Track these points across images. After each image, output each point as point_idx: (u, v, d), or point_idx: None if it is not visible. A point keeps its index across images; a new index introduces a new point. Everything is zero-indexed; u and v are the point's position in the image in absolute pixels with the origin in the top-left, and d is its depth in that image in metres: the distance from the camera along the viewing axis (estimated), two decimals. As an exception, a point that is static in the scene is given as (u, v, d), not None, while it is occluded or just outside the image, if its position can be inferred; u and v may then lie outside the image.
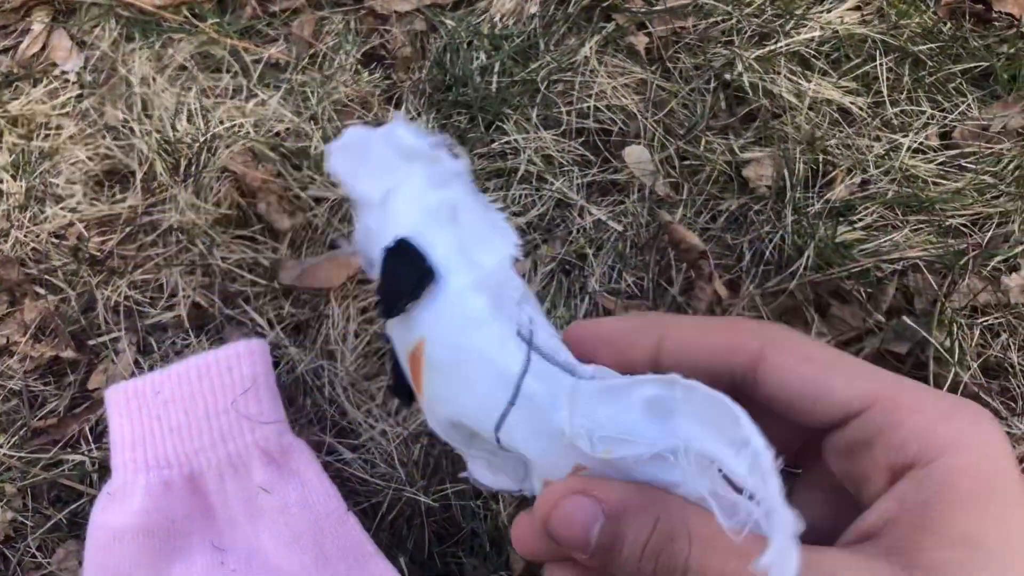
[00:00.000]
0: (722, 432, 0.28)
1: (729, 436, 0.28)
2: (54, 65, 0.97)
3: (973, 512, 0.28)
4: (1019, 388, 0.78)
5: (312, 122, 0.91)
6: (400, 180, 0.36)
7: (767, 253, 0.82)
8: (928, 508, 0.28)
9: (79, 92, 0.95)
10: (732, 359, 0.33)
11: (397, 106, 0.94)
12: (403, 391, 0.37)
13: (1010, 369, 0.79)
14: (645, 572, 0.30)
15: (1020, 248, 0.82)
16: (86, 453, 0.77)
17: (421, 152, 0.36)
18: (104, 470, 0.76)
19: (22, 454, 0.78)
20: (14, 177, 0.89)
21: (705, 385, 0.29)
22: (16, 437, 0.79)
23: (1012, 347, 0.80)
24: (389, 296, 0.34)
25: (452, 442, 0.37)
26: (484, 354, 0.33)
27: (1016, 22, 0.94)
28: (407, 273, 0.34)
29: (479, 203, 0.36)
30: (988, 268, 0.81)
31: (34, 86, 0.95)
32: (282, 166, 0.88)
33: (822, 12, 0.96)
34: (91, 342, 0.82)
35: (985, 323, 0.80)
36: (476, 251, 0.34)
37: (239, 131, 0.90)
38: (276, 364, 0.79)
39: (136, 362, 0.81)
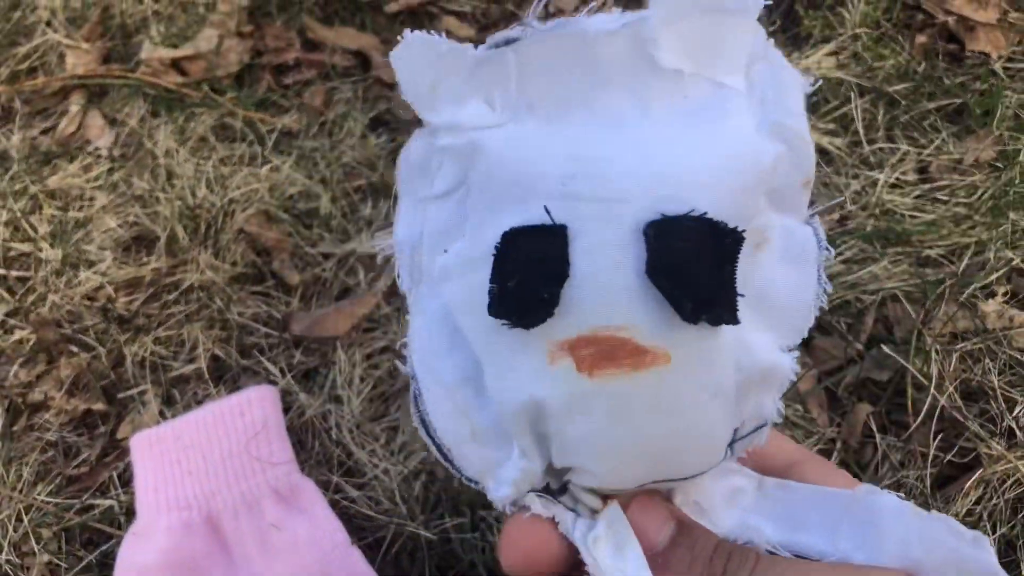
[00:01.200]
0: None
1: None
2: (88, 142, 1.06)
3: None
4: (998, 410, 0.80)
5: (322, 184, 0.98)
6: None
7: (749, 289, 0.86)
8: None
9: (110, 166, 1.03)
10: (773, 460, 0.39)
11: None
12: (519, 309, 0.30)
13: (990, 392, 0.81)
14: (716, 568, 0.33)
15: (995, 275, 0.85)
16: (115, 497, 0.83)
17: None
18: (131, 513, 0.82)
19: (57, 500, 0.84)
20: (51, 245, 0.97)
21: None
22: (52, 485, 0.85)
23: (992, 371, 0.82)
24: (688, 273, 0.29)
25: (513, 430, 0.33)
26: (708, 433, 0.32)
27: (988, 60, 0.98)
28: (716, 275, 0.29)
29: (800, 262, 0.35)
30: (965, 296, 0.84)
31: (70, 162, 1.04)
32: (293, 226, 0.95)
33: (800, 58, 1.01)
34: (120, 395, 0.89)
35: (964, 349, 0.83)
36: (762, 316, 0.33)
37: (254, 195, 0.97)
38: (287, 409, 0.84)
39: (161, 412, 0.87)
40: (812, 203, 0.33)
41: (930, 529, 0.32)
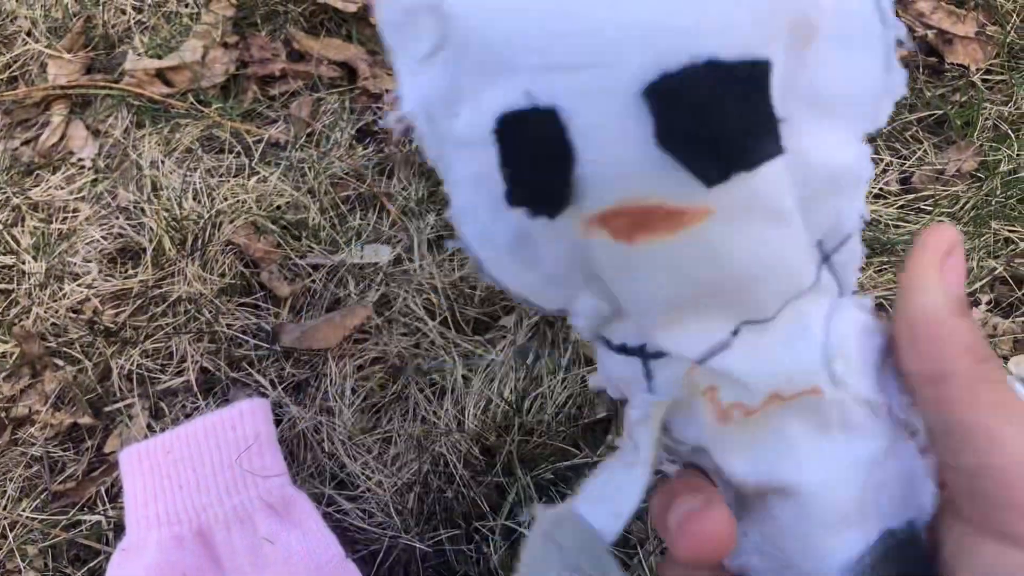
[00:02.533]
0: None
1: None
2: (71, 153, 1.05)
3: None
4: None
5: (310, 195, 0.98)
6: None
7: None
8: None
9: (94, 177, 1.02)
10: None
11: (389, 177, 1.01)
12: (531, 195, 0.27)
13: (975, 399, 0.82)
14: (985, 348, 0.29)
15: (979, 284, 0.86)
16: (103, 513, 0.82)
17: None
18: (119, 529, 0.81)
19: (43, 516, 0.83)
20: (35, 258, 0.95)
21: None
22: (38, 500, 0.84)
23: (977, 378, 0.83)
24: (708, 131, 0.25)
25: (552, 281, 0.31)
26: (778, 258, 0.28)
27: (967, 72, 1.00)
28: (742, 118, 0.24)
29: (861, 40, 0.28)
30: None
31: (53, 173, 1.03)
32: (282, 237, 0.94)
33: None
34: (107, 408, 0.88)
35: (950, 356, 0.84)
36: (819, 117, 0.27)
37: (242, 206, 0.96)
38: (278, 421, 0.84)
39: (149, 426, 0.86)
40: None
41: None
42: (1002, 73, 1.01)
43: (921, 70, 1.02)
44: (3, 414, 0.88)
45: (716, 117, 0.23)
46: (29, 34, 1.14)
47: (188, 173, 1.00)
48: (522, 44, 0.25)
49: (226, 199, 0.97)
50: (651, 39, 0.24)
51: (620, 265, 0.27)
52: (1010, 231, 0.88)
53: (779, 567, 0.32)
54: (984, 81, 1.00)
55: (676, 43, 0.24)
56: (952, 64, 1.01)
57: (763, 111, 0.24)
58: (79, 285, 0.93)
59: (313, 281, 0.92)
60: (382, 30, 0.29)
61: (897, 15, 0.28)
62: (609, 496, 0.32)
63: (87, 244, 0.97)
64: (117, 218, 0.98)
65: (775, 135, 0.24)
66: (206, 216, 0.95)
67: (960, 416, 0.28)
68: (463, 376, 0.86)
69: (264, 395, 0.85)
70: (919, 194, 0.93)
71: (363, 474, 0.82)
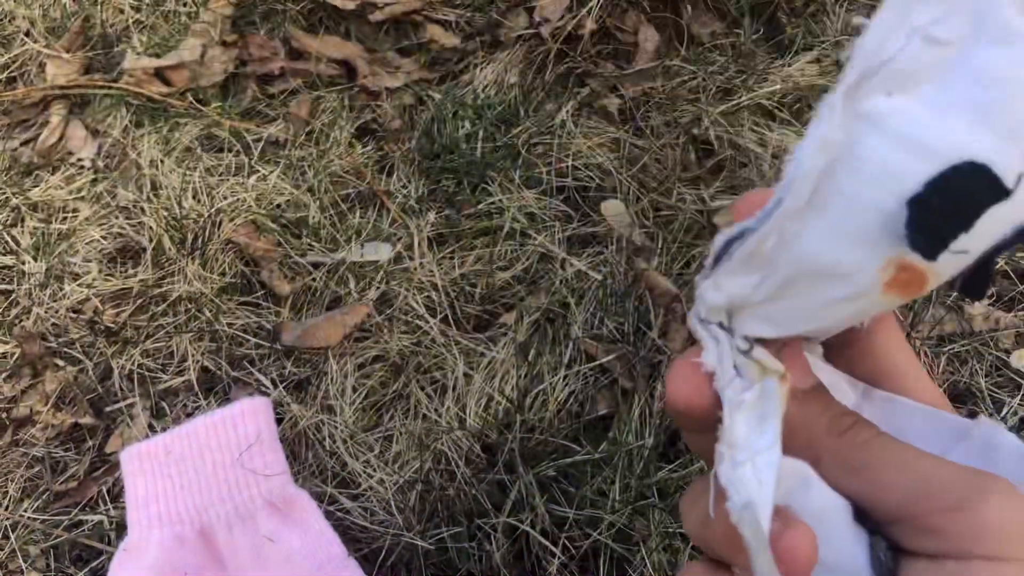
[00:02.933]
0: None
1: None
2: (70, 153, 1.05)
3: None
4: (986, 412, 0.81)
5: (310, 193, 0.98)
6: None
7: (739, 294, 0.87)
8: None
9: (94, 177, 1.02)
10: None
11: (389, 175, 1.01)
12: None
13: (978, 394, 0.82)
14: (846, 421, 0.31)
15: (981, 278, 0.86)
16: (104, 513, 0.82)
17: None
18: (121, 528, 0.80)
19: (45, 517, 0.83)
20: (35, 258, 0.95)
21: None
22: (40, 501, 0.84)
23: (979, 373, 0.83)
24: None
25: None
26: None
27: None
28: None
29: None
30: (951, 299, 0.85)
31: (52, 173, 1.03)
32: (282, 236, 0.94)
33: (783, 66, 1.02)
34: (108, 409, 0.87)
35: (951, 351, 0.84)
36: None
37: (242, 205, 0.96)
38: (279, 420, 0.84)
39: (150, 426, 0.86)
40: None
41: None
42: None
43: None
44: (4, 415, 0.87)
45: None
46: (28, 34, 1.14)
47: (187, 172, 0.99)
48: None
49: (226, 198, 0.97)
50: None
51: None
52: (1011, 225, 0.88)
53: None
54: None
55: None
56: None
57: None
58: (79, 285, 0.93)
59: (313, 279, 0.92)
60: None
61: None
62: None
63: (87, 244, 0.96)
64: (117, 218, 0.98)
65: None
66: (206, 215, 0.95)
67: (845, 483, 0.31)
68: (464, 373, 0.86)
69: (265, 394, 0.85)
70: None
71: (365, 472, 0.81)
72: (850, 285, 0.29)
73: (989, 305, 0.86)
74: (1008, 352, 0.84)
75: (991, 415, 0.80)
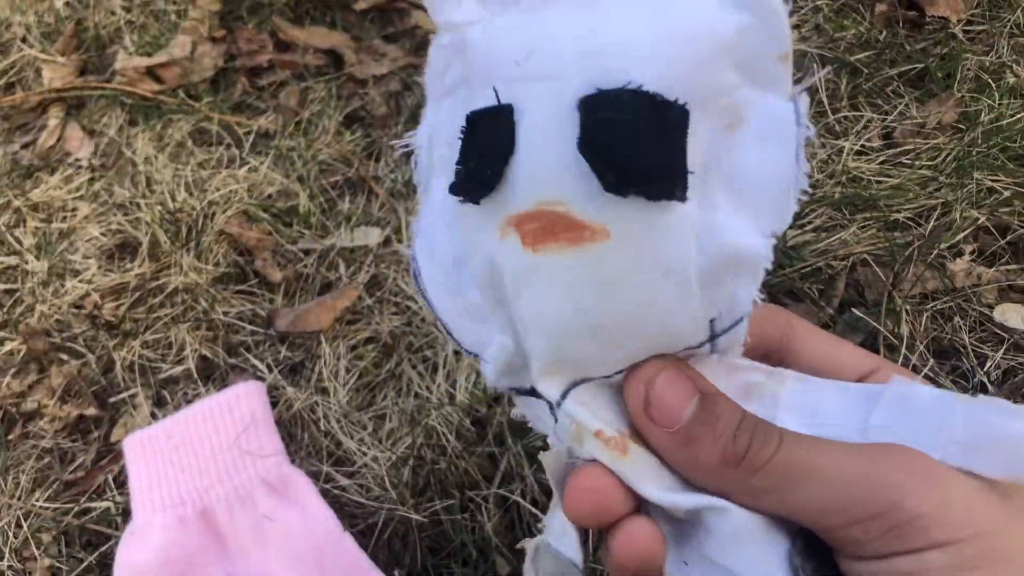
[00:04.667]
0: None
1: None
2: (68, 154, 1.07)
3: None
4: (970, 366, 0.82)
5: (299, 182, 1.00)
6: None
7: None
8: None
9: (91, 176, 1.04)
10: (769, 329, 0.38)
11: (377, 160, 1.03)
12: (476, 186, 0.31)
13: (961, 349, 0.83)
14: (740, 445, 0.31)
15: (962, 235, 0.87)
16: (111, 499, 0.85)
17: None
18: (127, 514, 0.83)
19: (56, 505, 0.86)
20: (37, 257, 0.98)
21: None
22: (50, 490, 0.87)
23: (962, 328, 0.84)
24: (622, 146, 0.27)
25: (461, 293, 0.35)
26: (669, 314, 0.30)
27: (947, 24, 1.00)
28: (654, 148, 0.28)
29: (779, 144, 0.31)
30: (933, 256, 0.86)
31: (52, 174, 1.06)
32: (273, 224, 0.96)
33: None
34: (111, 399, 0.90)
35: (934, 308, 0.84)
36: (735, 201, 0.30)
37: (234, 197, 0.98)
38: (275, 403, 0.86)
39: (152, 414, 0.89)
40: (798, 81, 0.31)
41: (976, 412, 0.31)
42: (982, 23, 1.00)
43: (901, 25, 1.02)
44: (14, 409, 0.91)
45: (631, 137, 0.27)
46: (24, 40, 1.17)
47: (180, 167, 1.02)
48: (504, 59, 0.30)
49: (218, 190, 0.99)
50: (594, 60, 0.28)
51: (523, 274, 0.30)
52: (993, 180, 0.88)
53: None
54: (965, 32, 1.00)
55: (614, 67, 0.28)
56: (933, 17, 1.01)
57: (674, 150, 0.28)
58: (80, 281, 0.96)
59: (305, 266, 0.94)
60: (426, 73, 0.35)
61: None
62: (570, 530, 0.35)
63: (86, 241, 0.99)
64: (115, 215, 1.01)
65: (681, 182, 0.28)
66: (199, 208, 0.97)
67: (759, 505, 0.32)
68: (454, 351, 0.88)
69: (261, 379, 0.88)
70: (901, 148, 0.93)
71: (359, 450, 0.84)
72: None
73: (971, 261, 0.86)
74: (991, 307, 0.84)
75: (973, 371, 0.81)
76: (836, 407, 0.34)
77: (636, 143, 0.27)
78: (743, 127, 0.30)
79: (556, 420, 0.34)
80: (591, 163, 0.27)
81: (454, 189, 0.31)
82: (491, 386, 0.35)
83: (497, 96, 0.29)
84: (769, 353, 0.37)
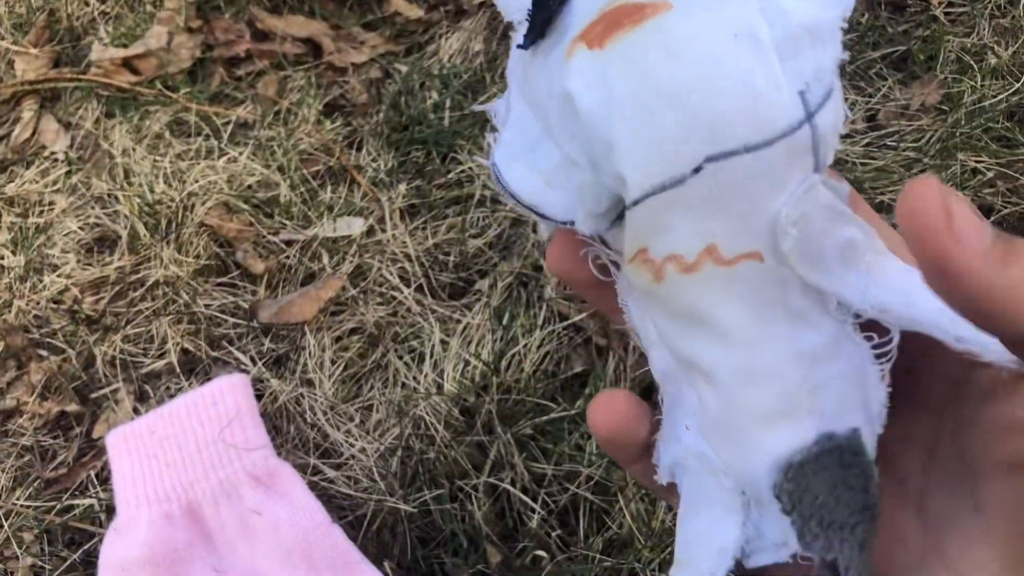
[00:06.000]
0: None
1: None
2: (44, 147, 1.05)
3: None
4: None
5: (280, 172, 0.98)
6: None
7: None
8: None
9: (68, 169, 1.03)
10: None
11: (359, 149, 1.01)
12: (542, 21, 0.31)
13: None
14: None
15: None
16: (94, 496, 0.83)
17: None
18: (111, 511, 0.82)
19: (37, 503, 0.84)
20: (13, 252, 0.96)
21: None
22: (31, 488, 0.85)
23: (948, 309, 0.84)
24: None
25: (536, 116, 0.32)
26: (750, 80, 0.27)
27: (929, 6, 1.00)
28: None
29: None
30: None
31: (27, 168, 1.04)
32: (254, 215, 0.95)
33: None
34: (93, 395, 0.89)
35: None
36: None
37: (213, 188, 0.97)
38: (260, 396, 0.85)
39: (135, 409, 0.88)
40: None
41: None
42: (963, 5, 1.00)
43: (884, 7, 1.02)
44: (-8, 407, 0.89)
45: None
46: (-5, 32, 1.15)
47: (158, 159, 1.00)
48: None
49: (197, 181, 0.97)
50: None
51: (593, 79, 0.29)
52: (976, 161, 0.88)
53: (712, 470, 0.31)
54: (946, 14, 1.00)
55: None
56: (914, -1, 1.01)
57: None
58: (58, 276, 0.94)
59: (287, 257, 0.93)
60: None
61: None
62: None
63: (64, 235, 0.98)
64: (93, 208, 0.99)
65: None
66: (178, 199, 0.96)
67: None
68: (441, 340, 0.87)
69: (245, 371, 0.86)
70: (885, 130, 0.93)
71: (346, 442, 0.83)
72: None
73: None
74: (977, 287, 0.85)
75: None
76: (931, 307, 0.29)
77: None
78: None
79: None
80: None
81: (528, 40, 0.30)
82: (589, 232, 0.32)
83: None
84: None
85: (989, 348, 0.27)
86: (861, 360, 0.30)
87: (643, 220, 0.29)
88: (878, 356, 0.30)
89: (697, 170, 0.28)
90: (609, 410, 0.33)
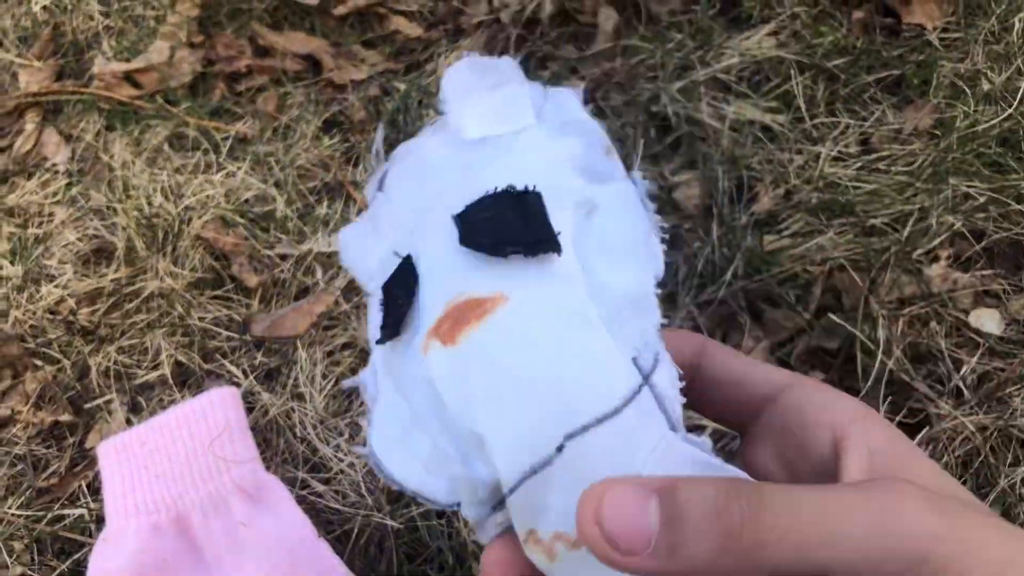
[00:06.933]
0: None
1: None
2: (45, 159, 1.07)
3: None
4: (946, 371, 0.82)
5: (276, 187, 0.99)
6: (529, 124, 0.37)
7: (699, 266, 0.88)
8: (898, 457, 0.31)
9: (68, 181, 1.04)
10: (684, 349, 0.38)
11: (355, 165, 1.02)
12: (394, 322, 0.33)
13: (937, 354, 0.83)
14: (732, 522, 0.26)
15: (938, 240, 0.87)
16: (85, 506, 0.84)
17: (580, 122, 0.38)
18: (101, 521, 0.82)
19: (28, 513, 0.85)
20: (12, 262, 0.97)
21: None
22: (23, 498, 0.86)
23: (938, 333, 0.84)
24: (495, 228, 0.32)
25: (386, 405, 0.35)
26: (588, 357, 0.30)
27: (924, 31, 1.00)
28: (521, 222, 0.32)
29: (631, 213, 0.36)
30: (910, 261, 0.86)
31: (28, 179, 1.05)
32: (250, 230, 0.96)
33: (742, 39, 1.02)
34: (87, 405, 0.89)
35: (911, 313, 0.85)
36: (611, 261, 0.34)
37: (210, 202, 0.98)
38: (250, 409, 0.85)
39: (128, 420, 0.88)
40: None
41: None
42: (958, 30, 1.01)
43: (878, 31, 1.02)
44: (-14, 416, 0.90)
45: (498, 218, 0.32)
46: (0, 44, 1.16)
47: (157, 172, 1.01)
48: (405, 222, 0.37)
49: (194, 195, 0.98)
50: (467, 196, 0.35)
51: (452, 373, 0.31)
52: (968, 186, 0.89)
53: None
54: (941, 40, 1.00)
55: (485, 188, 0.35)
56: (909, 24, 1.01)
57: (538, 217, 0.32)
58: (55, 286, 0.95)
59: (282, 271, 0.94)
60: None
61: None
62: None
63: (63, 247, 0.98)
64: (91, 220, 1.00)
65: (552, 238, 0.32)
66: (175, 213, 0.97)
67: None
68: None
69: (237, 384, 0.87)
70: (878, 154, 0.93)
71: (335, 456, 0.83)
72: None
73: (947, 266, 0.86)
74: (967, 312, 0.85)
75: (949, 375, 0.81)
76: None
77: (505, 221, 0.32)
78: (598, 211, 0.35)
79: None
80: (472, 245, 0.32)
81: (384, 337, 0.34)
82: (474, 517, 0.33)
83: (399, 253, 0.35)
84: (682, 371, 0.36)
85: None
86: None
87: (523, 504, 0.31)
88: None
89: (560, 448, 0.29)
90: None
